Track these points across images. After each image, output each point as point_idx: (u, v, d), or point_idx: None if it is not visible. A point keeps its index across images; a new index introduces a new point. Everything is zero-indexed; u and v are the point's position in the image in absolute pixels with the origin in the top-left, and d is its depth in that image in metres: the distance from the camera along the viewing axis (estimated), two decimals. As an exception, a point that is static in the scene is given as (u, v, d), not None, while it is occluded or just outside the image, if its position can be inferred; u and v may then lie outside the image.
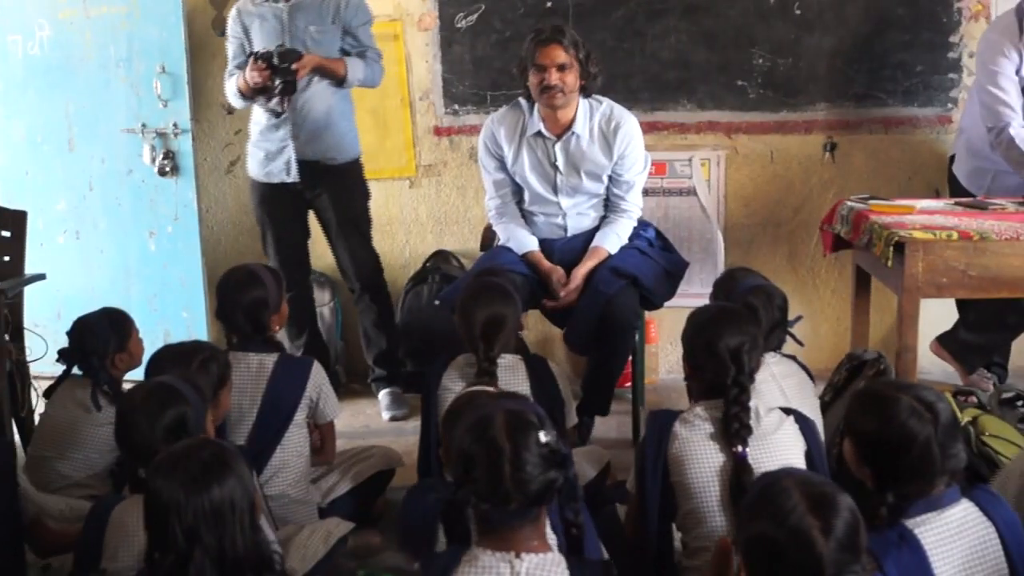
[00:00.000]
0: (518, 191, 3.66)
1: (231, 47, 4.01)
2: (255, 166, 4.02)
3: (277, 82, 3.76)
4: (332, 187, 4.00)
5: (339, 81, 3.93)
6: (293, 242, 4.09)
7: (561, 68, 3.39)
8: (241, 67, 3.90)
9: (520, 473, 1.76)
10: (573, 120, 3.50)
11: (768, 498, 1.68)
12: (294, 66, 3.76)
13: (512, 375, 2.88)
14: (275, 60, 3.75)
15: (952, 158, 4.09)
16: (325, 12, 3.90)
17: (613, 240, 3.54)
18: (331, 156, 3.97)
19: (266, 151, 3.96)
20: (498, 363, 2.82)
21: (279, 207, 4.03)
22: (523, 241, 3.58)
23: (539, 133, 3.53)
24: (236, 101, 4.00)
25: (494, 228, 3.73)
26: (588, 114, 3.52)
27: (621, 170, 3.55)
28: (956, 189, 4.03)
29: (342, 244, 4.07)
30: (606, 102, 3.57)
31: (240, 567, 1.83)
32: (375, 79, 4.05)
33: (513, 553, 1.78)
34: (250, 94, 3.88)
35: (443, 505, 1.90)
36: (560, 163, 3.54)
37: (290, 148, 3.91)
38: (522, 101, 3.60)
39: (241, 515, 1.84)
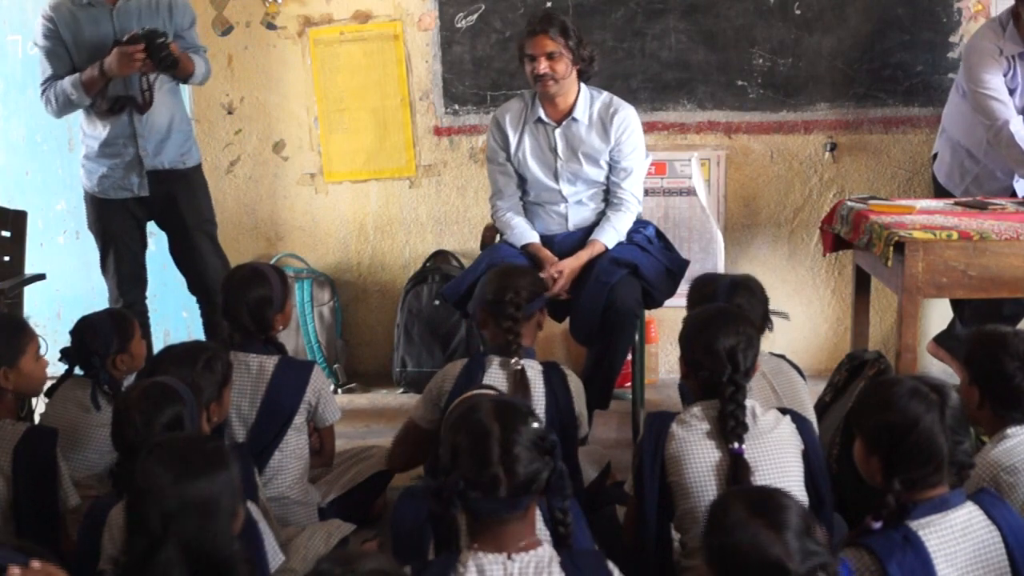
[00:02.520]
0: (521, 184, 3.69)
1: (47, 51, 3.69)
2: (94, 182, 3.81)
3: (157, 59, 3.53)
4: (183, 192, 3.83)
5: (185, 78, 3.79)
6: (134, 258, 3.89)
7: (550, 56, 3.49)
8: (70, 69, 3.66)
9: (508, 455, 1.76)
10: (573, 106, 3.59)
11: (713, 521, 1.72)
12: (164, 41, 3.55)
13: (531, 383, 2.85)
14: (149, 39, 3.52)
15: (935, 157, 4.11)
16: (156, 15, 3.69)
17: (611, 235, 3.56)
18: (181, 161, 3.82)
19: (109, 166, 3.76)
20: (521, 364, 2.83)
21: (120, 222, 3.83)
22: (523, 233, 3.61)
23: (540, 119, 3.62)
24: (62, 110, 3.75)
25: (496, 223, 3.74)
26: (588, 101, 3.61)
27: (619, 156, 3.60)
28: (937, 187, 4.07)
29: (192, 252, 3.88)
30: (606, 93, 3.66)
31: (211, 568, 1.79)
32: (209, 76, 3.92)
33: (505, 555, 1.78)
34: (97, 93, 3.65)
35: (430, 504, 1.87)
36: (559, 148, 3.61)
37: (141, 163, 3.74)
38: (526, 92, 3.71)
39: (224, 517, 1.82)
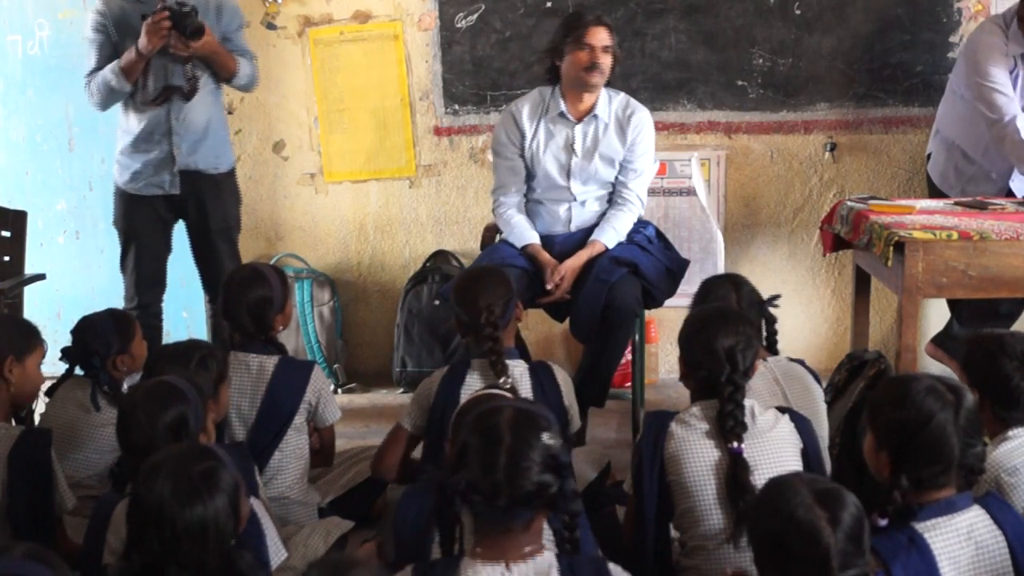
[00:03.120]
0: (528, 180, 3.69)
1: (96, 44, 3.70)
2: (126, 177, 3.79)
3: (182, 27, 3.50)
4: (212, 197, 3.84)
5: (228, 77, 3.77)
6: (155, 258, 3.88)
7: (605, 50, 3.51)
8: (108, 60, 3.66)
9: (514, 466, 1.75)
10: (595, 105, 3.60)
11: (775, 496, 1.71)
12: (190, 10, 3.53)
13: (517, 383, 2.83)
14: (173, 8, 3.49)
15: (928, 157, 4.10)
16: (205, 15, 3.65)
17: (611, 235, 3.56)
18: (213, 166, 3.82)
19: (142, 162, 3.75)
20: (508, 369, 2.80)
21: (146, 221, 3.82)
22: (523, 234, 3.60)
23: (561, 114, 3.61)
24: (105, 99, 3.72)
25: (496, 219, 3.74)
26: (608, 101, 3.63)
27: (631, 156, 3.61)
28: (931, 188, 4.06)
29: (212, 255, 3.89)
30: (622, 94, 3.68)
31: None
32: (255, 80, 3.91)
33: (504, 564, 1.77)
34: (138, 83, 3.64)
35: (435, 499, 1.86)
36: (578, 147, 3.60)
37: (173, 160, 3.73)
38: (543, 88, 3.68)
39: (224, 535, 1.82)
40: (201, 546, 1.79)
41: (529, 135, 3.63)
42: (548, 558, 1.80)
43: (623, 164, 3.62)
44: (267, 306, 2.97)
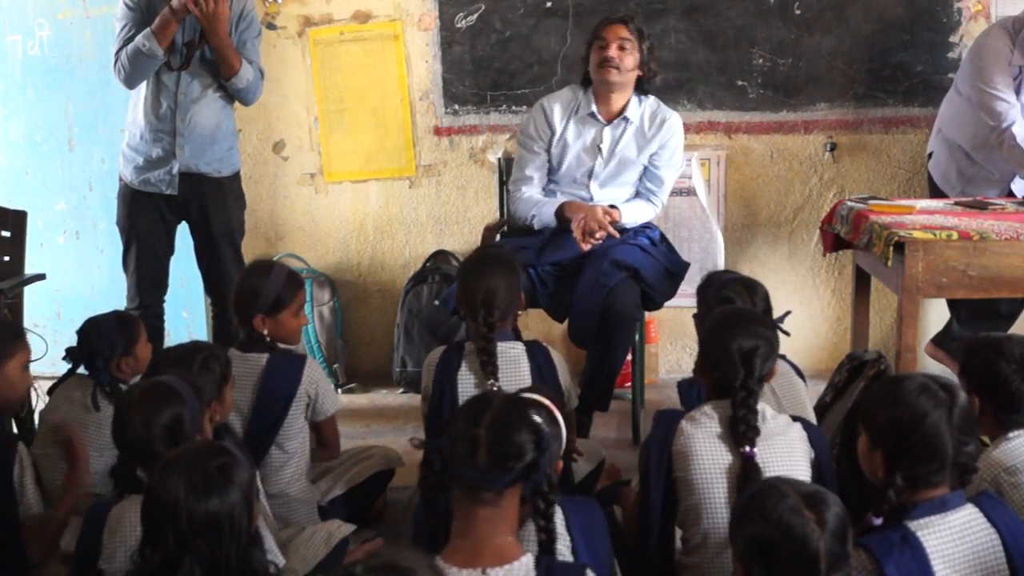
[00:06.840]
0: (547, 176, 3.70)
1: (128, 21, 3.70)
2: (130, 171, 3.80)
3: None
4: (214, 200, 3.84)
5: (229, 74, 3.72)
6: (157, 259, 3.88)
7: (622, 47, 3.53)
8: (137, 30, 3.64)
9: (497, 424, 1.79)
10: (625, 107, 3.61)
11: (762, 500, 1.72)
12: None
13: (515, 365, 2.86)
14: None
15: (930, 156, 4.10)
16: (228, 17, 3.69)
17: (627, 211, 3.58)
18: (216, 169, 3.82)
19: (145, 157, 3.76)
20: (498, 352, 2.82)
21: (147, 221, 3.83)
22: (550, 203, 3.60)
23: (592, 114, 3.62)
24: (133, 70, 3.67)
25: (514, 204, 3.71)
26: (638, 104, 3.64)
27: (659, 161, 3.63)
28: (932, 187, 4.07)
29: (214, 257, 3.90)
30: (652, 98, 3.69)
31: None
32: (257, 92, 3.88)
33: (480, 569, 1.76)
34: (170, 33, 3.61)
35: (419, 486, 1.88)
36: (605, 148, 3.62)
37: (174, 161, 3.74)
38: (575, 86, 3.71)
39: (238, 530, 1.82)
40: (217, 541, 1.80)
41: (559, 132, 3.64)
42: (525, 564, 1.79)
43: (650, 168, 3.64)
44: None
